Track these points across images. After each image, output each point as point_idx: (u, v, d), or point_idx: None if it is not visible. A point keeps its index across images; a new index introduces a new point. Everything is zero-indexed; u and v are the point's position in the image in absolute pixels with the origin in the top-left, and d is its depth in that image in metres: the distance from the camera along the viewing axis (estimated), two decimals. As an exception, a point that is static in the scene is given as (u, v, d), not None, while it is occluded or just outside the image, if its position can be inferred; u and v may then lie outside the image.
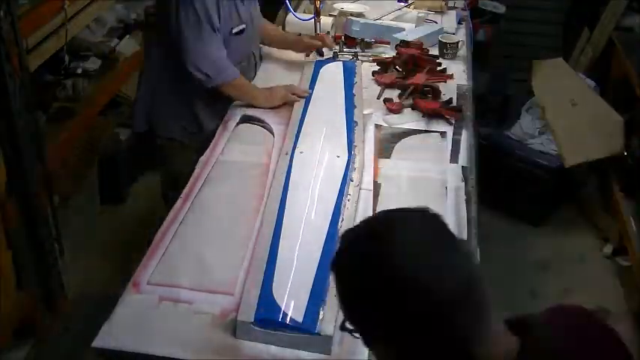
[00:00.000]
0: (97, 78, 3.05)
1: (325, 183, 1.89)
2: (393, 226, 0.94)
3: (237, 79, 2.31)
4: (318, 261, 1.60)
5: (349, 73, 2.53)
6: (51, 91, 2.87)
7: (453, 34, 2.92)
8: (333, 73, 2.55)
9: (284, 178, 1.89)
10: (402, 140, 2.16)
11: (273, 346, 1.43)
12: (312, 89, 2.42)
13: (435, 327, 0.88)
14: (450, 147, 2.13)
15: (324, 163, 1.98)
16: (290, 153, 2.00)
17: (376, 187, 1.92)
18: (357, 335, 0.96)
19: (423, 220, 0.96)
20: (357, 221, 1.05)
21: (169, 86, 2.37)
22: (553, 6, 4.52)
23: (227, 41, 2.29)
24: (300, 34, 2.80)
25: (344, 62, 2.64)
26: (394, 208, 1.00)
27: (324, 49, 2.78)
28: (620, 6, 3.62)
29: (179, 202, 1.86)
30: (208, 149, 2.11)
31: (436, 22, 3.08)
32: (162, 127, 2.42)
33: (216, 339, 1.45)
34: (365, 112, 2.32)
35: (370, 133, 2.18)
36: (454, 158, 2.07)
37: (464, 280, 0.90)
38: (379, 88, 2.48)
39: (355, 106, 2.29)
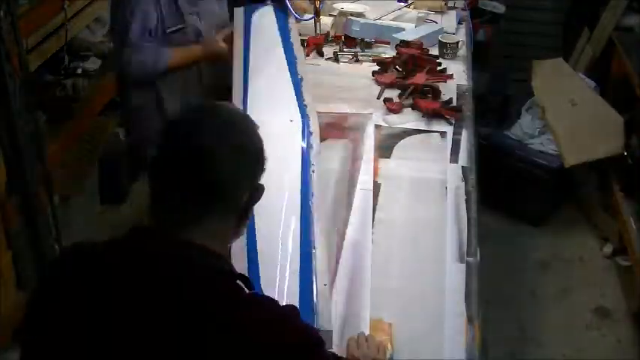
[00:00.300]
0: (97, 78, 3.05)
1: (285, 154, 1.81)
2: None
3: (172, 58, 2.44)
4: (299, 242, 1.58)
5: (283, 20, 2.43)
6: (51, 91, 2.87)
7: (453, 34, 2.92)
8: (266, 22, 2.44)
9: None
10: (402, 140, 2.16)
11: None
12: (248, 43, 2.31)
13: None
14: (450, 147, 2.13)
15: (278, 130, 1.86)
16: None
17: (376, 187, 1.92)
18: None
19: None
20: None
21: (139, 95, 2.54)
22: (553, 6, 4.52)
23: (164, 39, 2.42)
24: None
25: (274, 7, 2.54)
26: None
27: (324, 49, 2.78)
28: (620, 6, 3.62)
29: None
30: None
31: (436, 22, 3.08)
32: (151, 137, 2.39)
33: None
34: (365, 112, 2.32)
35: (370, 133, 2.18)
36: (454, 158, 2.07)
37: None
38: (379, 88, 2.48)
39: (296, 58, 2.19)
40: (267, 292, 1.43)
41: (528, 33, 4.59)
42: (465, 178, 1.97)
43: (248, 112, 1.95)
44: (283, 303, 1.13)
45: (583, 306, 2.94)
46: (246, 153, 1.08)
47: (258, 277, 1.51)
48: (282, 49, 2.26)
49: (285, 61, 2.19)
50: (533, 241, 3.35)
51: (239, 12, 2.51)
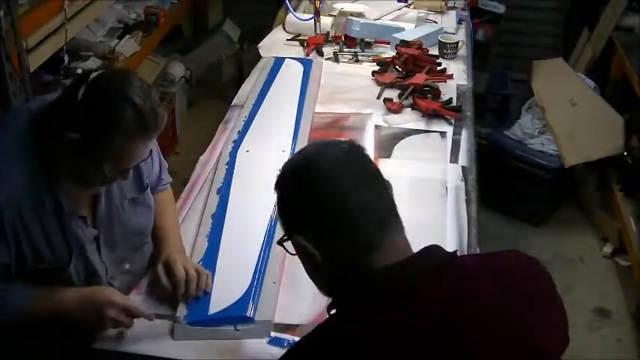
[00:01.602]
0: (96, 78, 3.04)
1: (268, 178, 1.90)
2: (320, 150, 1.14)
3: (32, 306, 1.42)
4: (257, 254, 1.64)
5: (307, 72, 2.57)
6: (51, 91, 2.87)
7: (453, 34, 2.92)
8: (292, 71, 2.58)
9: (223, 176, 1.93)
10: (402, 140, 2.16)
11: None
12: (270, 86, 2.45)
13: (341, 228, 1.05)
14: (449, 147, 2.13)
15: (269, 155, 2.03)
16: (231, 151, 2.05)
17: (376, 187, 1.91)
18: (287, 242, 1.14)
19: (345, 146, 1.14)
20: None
21: None
22: (553, 6, 4.52)
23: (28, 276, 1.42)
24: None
25: (302, 60, 2.66)
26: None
27: (324, 49, 2.78)
28: (620, 6, 3.62)
29: (179, 202, 1.86)
30: (207, 150, 2.11)
31: (436, 22, 3.08)
32: None
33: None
34: (365, 112, 2.32)
35: (370, 133, 2.18)
36: (454, 158, 2.07)
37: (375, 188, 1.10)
38: (379, 88, 2.48)
39: (304, 106, 2.33)
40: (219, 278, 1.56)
41: (528, 33, 4.60)
42: (465, 178, 1.97)
43: (247, 136, 2.13)
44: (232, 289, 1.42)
45: (583, 306, 2.94)
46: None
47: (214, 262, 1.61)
48: (298, 99, 2.37)
49: (297, 106, 2.31)
50: (533, 241, 3.35)
51: (269, 60, 2.66)
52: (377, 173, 1.13)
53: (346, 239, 1.06)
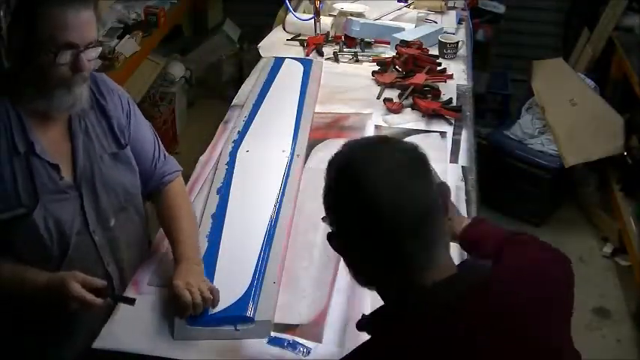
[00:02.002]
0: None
1: (267, 178, 1.94)
2: (374, 149, 1.08)
3: None
4: (257, 254, 1.64)
5: (307, 72, 2.57)
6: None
7: (453, 34, 2.92)
8: (292, 71, 2.58)
9: (223, 176, 1.93)
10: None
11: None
12: (270, 86, 2.45)
13: (384, 247, 1.00)
14: (449, 147, 2.13)
15: (269, 155, 2.04)
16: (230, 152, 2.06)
17: (376, 187, 1.91)
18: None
19: (400, 146, 1.09)
20: None
21: None
22: (553, 6, 4.52)
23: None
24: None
25: (302, 60, 2.66)
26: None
27: (324, 49, 2.78)
28: (620, 6, 3.62)
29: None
30: (207, 149, 2.11)
31: (436, 22, 3.08)
32: None
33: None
34: (365, 111, 2.32)
35: (370, 133, 2.18)
36: (454, 158, 2.07)
37: (422, 209, 1.01)
38: (379, 88, 2.48)
39: (304, 106, 2.33)
40: (219, 278, 1.56)
41: (528, 33, 4.60)
42: (465, 178, 1.97)
43: (247, 136, 2.14)
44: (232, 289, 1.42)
45: (583, 306, 2.94)
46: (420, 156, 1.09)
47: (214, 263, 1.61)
48: (298, 99, 2.37)
49: (297, 106, 2.31)
50: (533, 241, 3.35)
51: (269, 60, 2.66)
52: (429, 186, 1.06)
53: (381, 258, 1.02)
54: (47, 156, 1.44)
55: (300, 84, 2.47)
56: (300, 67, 2.60)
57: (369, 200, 1.00)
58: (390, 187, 1.00)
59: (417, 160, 1.07)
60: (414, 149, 1.08)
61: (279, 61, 2.66)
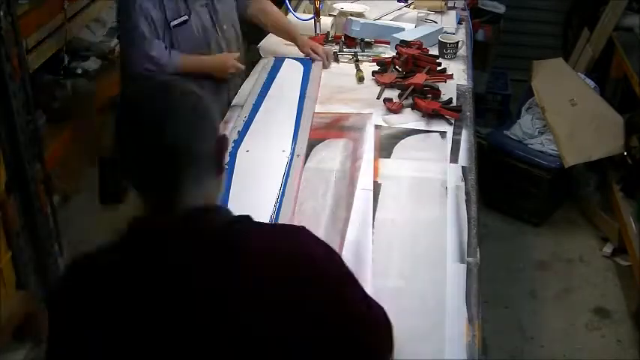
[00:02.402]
0: (97, 78, 3.05)
1: (267, 178, 1.95)
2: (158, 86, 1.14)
3: (181, 64, 2.30)
4: None
5: (307, 72, 2.59)
6: (51, 91, 2.87)
7: (453, 34, 2.92)
8: (292, 71, 2.60)
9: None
10: (402, 140, 2.16)
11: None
12: (270, 86, 2.48)
13: (136, 173, 1.09)
14: (450, 147, 2.13)
15: (270, 155, 2.06)
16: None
17: (376, 187, 1.92)
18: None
19: (185, 89, 1.11)
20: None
21: None
22: (553, 6, 4.52)
23: (169, 34, 2.30)
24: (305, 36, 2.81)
25: (302, 60, 2.67)
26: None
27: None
28: (620, 6, 3.62)
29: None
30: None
31: (436, 22, 3.08)
32: None
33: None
34: (365, 111, 2.32)
35: (370, 133, 2.18)
36: (454, 158, 2.07)
37: (172, 148, 1.05)
38: (379, 88, 2.48)
39: (304, 106, 2.34)
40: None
41: (528, 33, 4.60)
42: (465, 178, 1.97)
43: (247, 136, 2.16)
44: None
45: (583, 306, 2.94)
46: (197, 109, 1.10)
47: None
48: (298, 99, 2.39)
49: (297, 107, 2.33)
50: (533, 241, 3.35)
51: (269, 60, 2.71)
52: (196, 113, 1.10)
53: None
54: None
55: (300, 84, 2.48)
56: (300, 67, 2.60)
57: (129, 125, 1.10)
58: (152, 120, 1.05)
59: (195, 107, 1.09)
60: (197, 97, 1.11)
61: (279, 62, 2.66)
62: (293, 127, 2.19)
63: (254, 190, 1.89)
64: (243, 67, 2.46)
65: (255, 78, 2.56)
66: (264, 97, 2.39)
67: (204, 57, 2.40)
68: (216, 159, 1.11)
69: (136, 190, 1.09)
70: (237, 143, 2.10)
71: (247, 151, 2.07)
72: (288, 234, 1.13)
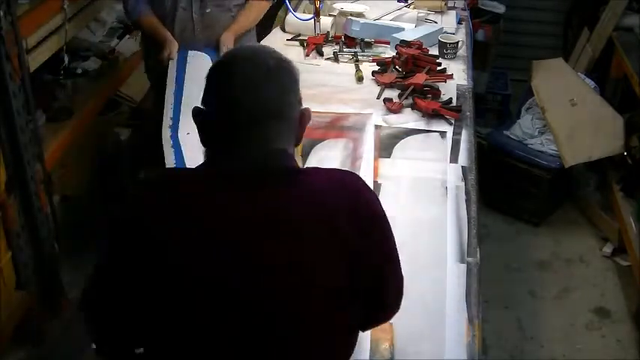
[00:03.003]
0: (97, 78, 3.05)
1: None
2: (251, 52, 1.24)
3: (144, 18, 2.57)
4: None
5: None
6: (51, 91, 2.87)
7: (453, 34, 2.92)
8: (200, 62, 2.58)
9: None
10: (402, 140, 2.16)
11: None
12: (182, 80, 2.48)
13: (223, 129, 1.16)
14: (449, 147, 2.13)
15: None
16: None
17: (376, 187, 1.92)
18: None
19: (276, 55, 1.21)
20: None
21: None
22: (553, 6, 4.52)
23: None
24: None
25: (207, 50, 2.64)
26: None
27: (324, 49, 2.78)
28: (620, 6, 3.62)
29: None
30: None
31: (436, 22, 3.08)
32: None
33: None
34: (365, 111, 2.32)
35: (370, 133, 2.18)
36: (454, 158, 2.07)
37: (265, 111, 1.16)
38: (379, 88, 2.48)
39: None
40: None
41: (528, 33, 4.60)
42: (465, 178, 1.97)
43: (181, 118, 2.23)
44: None
45: (583, 306, 2.94)
46: (290, 71, 1.20)
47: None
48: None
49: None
50: (533, 241, 3.35)
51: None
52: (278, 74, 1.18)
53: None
54: None
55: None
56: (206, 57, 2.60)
57: (224, 90, 1.17)
58: (245, 85, 1.14)
59: (286, 71, 1.19)
60: (288, 62, 1.21)
61: (182, 53, 2.62)
62: None
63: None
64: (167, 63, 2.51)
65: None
66: (183, 84, 2.44)
67: (160, 28, 2.55)
68: (298, 129, 1.22)
69: (211, 146, 1.19)
70: (175, 128, 2.20)
71: (188, 134, 2.13)
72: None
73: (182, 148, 2.08)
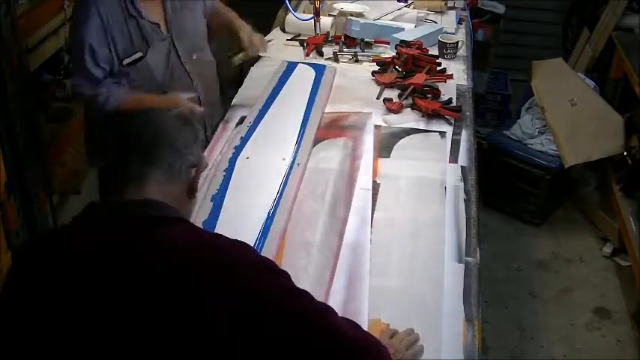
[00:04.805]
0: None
1: (263, 187, 1.92)
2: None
3: (124, 102, 2.04)
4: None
5: (318, 78, 2.55)
6: (51, 91, 2.87)
7: (453, 34, 2.92)
8: (303, 77, 2.56)
9: (220, 183, 1.91)
10: (402, 140, 2.16)
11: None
12: (279, 92, 2.43)
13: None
14: (449, 147, 2.13)
15: (270, 162, 2.03)
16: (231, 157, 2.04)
17: (375, 186, 1.92)
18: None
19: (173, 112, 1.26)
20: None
21: None
22: (553, 6, 4.53)
23: (122, 74, 2.08)
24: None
25: (315, 66, 2.64)
26: None
27: (324, 49, 2.78)
28: (620, 6, 3.62)
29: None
30: (206, 150, 2.11)
31: (436, 22, 3.08)
32: None
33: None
34: (365, 111, 2.32)
35: (370, 133, 2.18)
36: (454, 158, 2.07)
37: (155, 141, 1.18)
38: (379, 88, 2.48)
39: (311, 114, 2.30)
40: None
41: (528, 33, 4.60)
42: (465, 178, 1.97)
43: (249, 142, 2.13)
44: None
45: (583, 306, 2.95)
46: (181, 126, 1.23)
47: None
48: (305, 105, 2.36)
49: (303, 114, 2.30)
50: (533, 241, 3.35)
51: (282, 64, 2.65)
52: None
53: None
54: (150, 18, 2.09)
55: (310, 90, 2.44)
56: (312, 73, 2.57)
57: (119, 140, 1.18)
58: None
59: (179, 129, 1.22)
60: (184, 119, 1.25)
61: (291, 66, 2.63)
62: (297, 135, 2.16)
63: (249, 196, 1.86)
64: (198, 108, 2.10)
65: (268, 80, 2.52)
66: (272, 103, 2.35)
67: (152, 96, 2.08)
68: (190, 182, 1.22)
69: (104, 182, 1.20)
70: (238, 149, 2.07)
71: (247, 158, 2.04)
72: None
73: (233, 173, 1.96)
